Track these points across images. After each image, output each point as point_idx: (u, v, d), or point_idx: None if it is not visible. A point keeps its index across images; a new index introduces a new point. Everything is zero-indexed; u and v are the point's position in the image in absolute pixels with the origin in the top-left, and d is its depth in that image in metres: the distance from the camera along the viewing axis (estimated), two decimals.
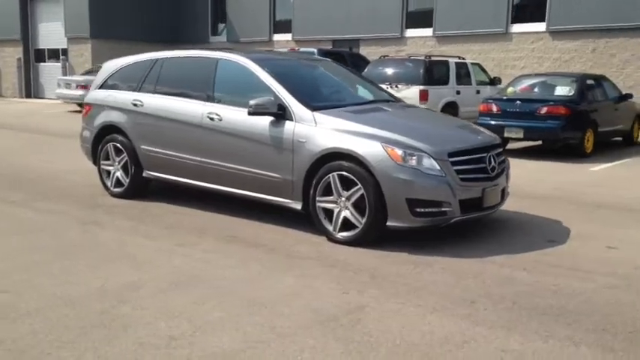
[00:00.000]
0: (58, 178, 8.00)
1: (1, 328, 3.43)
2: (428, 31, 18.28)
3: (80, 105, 20.17)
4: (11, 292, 3.99)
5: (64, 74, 23.71)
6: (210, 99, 6.12)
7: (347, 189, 5.11)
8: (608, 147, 11.59)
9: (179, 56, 6.75)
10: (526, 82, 11.47)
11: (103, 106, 7.05)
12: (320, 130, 5.30)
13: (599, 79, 11.65)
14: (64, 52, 24.97)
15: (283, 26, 22.06)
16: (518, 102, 10.55)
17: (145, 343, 3.27)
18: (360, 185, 5.00)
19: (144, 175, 6.77)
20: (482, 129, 6.03)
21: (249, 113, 5.57)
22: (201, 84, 6.25)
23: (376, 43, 19.03)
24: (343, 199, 5.13)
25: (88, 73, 20.48)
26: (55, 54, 25.72)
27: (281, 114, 5.52)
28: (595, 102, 10.90)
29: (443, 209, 4.94)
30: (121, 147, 6.84)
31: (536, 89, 11.21)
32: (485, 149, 5.33)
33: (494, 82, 14.22)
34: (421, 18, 18.60)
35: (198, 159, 6.13)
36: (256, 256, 4.83)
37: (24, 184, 7.68)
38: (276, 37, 22.22)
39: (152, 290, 4.06)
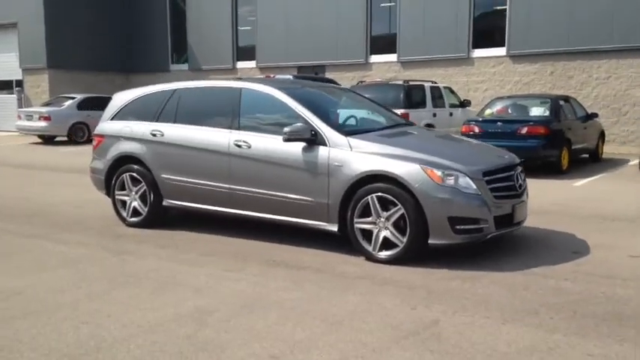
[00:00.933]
0: (62, 211, 7.91)
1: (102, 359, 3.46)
2: (392, 57, 18.88)
3: (42, 137, 19.81)
4: (90, 322, 4.00)
5: (20, 106, 23.16)
6: (235, 127, 6.25)
7: (385, 210, 5.34)
8: (578, 164, 12.27)
9: (198, 86, 6.87)
10: (501, 104, 12.06)
11: (119, 137, 7.07)
12: (356, 154, 5.52)
13: (568, 100, 12.37)
14: (19, 83, 24.38)
15: (247, 53, 22.29)
16: (499, 123, 11.08)
17: None
18: (400, 205, 5.23)
19: (164, 203, 6.81)
20: (501, 150, 6.39)
21: (285, 140, 5.74)
22: (226, 113, 6.38)
23: (341, 69, 19.50)
24: (382, 219, 5.34)
25: (48, 104, 20.11)
26: (7, 85, 25.06)
27: (314, 140, 5.72)
28: (567, 121, 11.56)
29: (480, 226, 5.22)
30: (138, 177, 6.88)
31: (511, 110, 11.81)
32: (512, 168, 5.67)
33: (464, 104, 14.82)
34: (385, 44, 19.22)
35: (226, 186, 6.24)
36: (307, 278, 4.97)
37: (31, 217, 7.57)
38: (240, 64, 22.41)
39: (227, 314, 4.14)
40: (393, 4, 18.98)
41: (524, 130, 10.69)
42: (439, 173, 5.18)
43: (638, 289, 4.59)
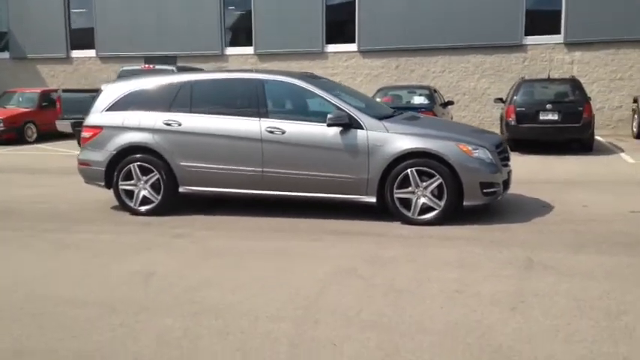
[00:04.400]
0: (59, 207, 7.72)
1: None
2: (249, 49, 19.59)
3: None
4: (223, 312, 4.46)
5: None
6: (264, 115, 6.76)
7: (422, 180, 6.40)
8: None
9: (213, 78, 7.17)
10: (385, 94, 13.68)
11: (123, 128, 7.06)
12: (393, 135, 6.47)
13: (435, 90, 14.45)
14: None
15: (83, 39, 21.07)
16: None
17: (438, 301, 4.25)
18: (438, 176, 6.33)
19: (180, 190, 7.02)
20: (484, 129, 7.81)
21: (328, 125, 6.48)
22: (251, 102, 6.84)
23: (195, 60, 19.63)
24: (421, 188, 6.40)
25: None
26: None
27: (351, 124, 6.53)
28: (438, 107, 13.57)
29: (497, 189, 6.55)
30: (150, 166, 6.98)
31: (395, 99, 13.47)
32: (503, 142, 7.10)
33: None
34: (241, 36, 19.83)
35: (258, 169, 6.73)
36: (379, 242, 5.83)
37: (32, 214, 7.35)
38: (75, 53, 21.16)
39: (364, 272, 4.89)
40: None
41: None
42: (470, 147, 6.39)
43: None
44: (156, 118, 6.99)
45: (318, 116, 6.68)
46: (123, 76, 14.29)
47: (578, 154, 12.47)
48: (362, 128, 6.53)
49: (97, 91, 13.56)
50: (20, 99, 17.06)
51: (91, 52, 20.98)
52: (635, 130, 15.82)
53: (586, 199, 7.74)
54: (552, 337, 3.56)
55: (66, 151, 14.26)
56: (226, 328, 3.76)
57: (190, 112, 6.97)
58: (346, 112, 6.57)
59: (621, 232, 6.05)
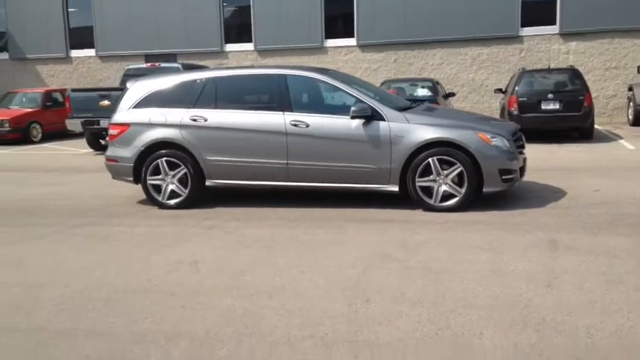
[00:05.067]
0: (85, 203, 7.92)
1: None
2: (249, 46, 19.78)
3: None
4: (275, 293, 4.71)
5: None
6: (287, 109, 6.99)
7: (443, 169, 6.66)
8: None
9: (236, 75, 7.40)
10: (390, 87, 13.93)
11: (150, 125, 7.27)
12: (414, 126, 6.73)
13: (437, 82, 14.73)
14: None
15: (82, 39, 21.16)
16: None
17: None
18: (458, 164, 6.59)
19: (207, 184, 7.25)
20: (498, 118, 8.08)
21: (352, 117, 6.72)
22: (274, 97, 7.08)
23: (195, 57, 19.78)
24: (442, 176, 6.66)
25: None
26: None
27: (373, 116, 6.78)
28: (440, 98, 13.85)
29: (514, 175, 6.82)
30: (177, 161, 7.20)
31: (400, 92, 13.73)
32: (518, 131, 7.37)
33: None
34: (240, 32, 20.01)
35: (283, 162, 6.96)
36: (406, 228, 6.10)
37: (58, 211, 7.55)
38: (75, 52, 21.24)
39: (398, 255, 5.15)
40: None
41: None
42: (489, 136, 6.66)
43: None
44: (182, 115, 7.20)
45: (340, 109, 6.94)
46: (129, 74, 14.48)
47: (579, 142, 12.79)
48: (384, 120, 6.78)
49: (104, 90, 13.86)
50: (24, 99, 17.15)
51: (91, 52, 21.08)
52: (630, 117, 16.19)
53: (595, 184, 8.04)
54: (590, 308, 3.83)
55: (74, 150, 14.41)
56: (284, 307, 4.00)
57: (216, 107, 7.19)
58: (368, 104, 6.82)
59: (633, 214, 6.34)
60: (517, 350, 3.29)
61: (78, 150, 14.38)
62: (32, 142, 16.20)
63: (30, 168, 11.78)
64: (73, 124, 13.35)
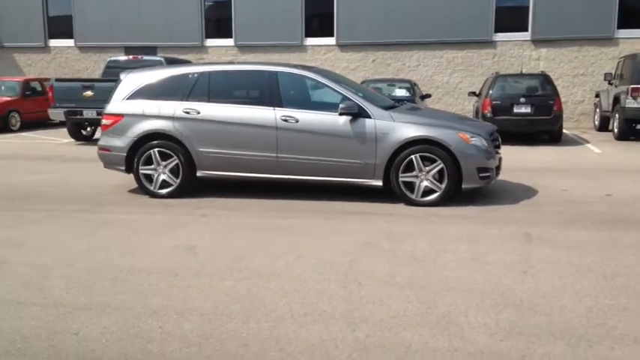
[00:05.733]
0: (80, 191, 8.09)
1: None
2: (229, 41, 19.97)
3: None
4: (273, 276, 5.03)
5: None
6: (278, 104, 7.29)
7: (425, 165, 7.04)
8: None
9: (229, 70, 7.65)
10: (370, 86, 14.29)
11: (143, 116, 7.49)
12: (399, 124, 7.09)
13: (415, 83, 15.16)
14: None
15: (61, 29, 21.05)
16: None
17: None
18: (439, 161, 6.98)
19: (198, 174, 7.50)
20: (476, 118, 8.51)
21: (340, 114, 7.06)
22: (265, 93, 7.37)
23: (175, 51, 19.90)
24: (424, 173, 7.04)
25: None
26: None
27: (360, 113, 7.13)
28: (417, 98, 14.29)
29: (491, 173, 7.24)
30: (169, 151, 7.44)
31: (381, 92, 14.11)
32: (495, 131, 7.80)
33: None
34: (221, 28, 20.17)
35: (273, 155, 7.26)
36: (390, 220, 6.46)
37: (53, 197, 7.71)
38: (53, 42, 21.13)
39: (384, 245, 5.50)
40: None
41: None
42: (469, 135, 7.06)
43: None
44: (175, 107, 7.44)
45: (329, 106, 7.26)
46: (111, 66, 14.62)
47: (548, 145, 13.36)
48: (370, 117, 7.13)
49: (88, 81, 13.94)
50: (2, 87, 17.07)
51: (70, 42, 21.02)
52: (596, 123, 16.89)
53: (564, 184, 8.53)
54: (562, 293, 4.23)
55: (56, 140, 14.46)
56: (282, 288, 4.31)
57: (208, 101, 7.45)
58: (356, 102, 7.16)
59: (600, 212, 6.81)
60: (499, 327, 3.66)
61: (60, 139, 14.43)
62: (11, 131, 16.17)
63: (13, 156, 11.83)
64: (56, 114, 13.42)
